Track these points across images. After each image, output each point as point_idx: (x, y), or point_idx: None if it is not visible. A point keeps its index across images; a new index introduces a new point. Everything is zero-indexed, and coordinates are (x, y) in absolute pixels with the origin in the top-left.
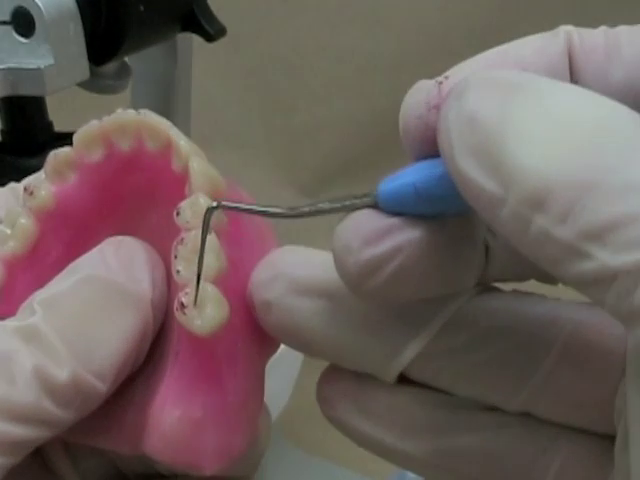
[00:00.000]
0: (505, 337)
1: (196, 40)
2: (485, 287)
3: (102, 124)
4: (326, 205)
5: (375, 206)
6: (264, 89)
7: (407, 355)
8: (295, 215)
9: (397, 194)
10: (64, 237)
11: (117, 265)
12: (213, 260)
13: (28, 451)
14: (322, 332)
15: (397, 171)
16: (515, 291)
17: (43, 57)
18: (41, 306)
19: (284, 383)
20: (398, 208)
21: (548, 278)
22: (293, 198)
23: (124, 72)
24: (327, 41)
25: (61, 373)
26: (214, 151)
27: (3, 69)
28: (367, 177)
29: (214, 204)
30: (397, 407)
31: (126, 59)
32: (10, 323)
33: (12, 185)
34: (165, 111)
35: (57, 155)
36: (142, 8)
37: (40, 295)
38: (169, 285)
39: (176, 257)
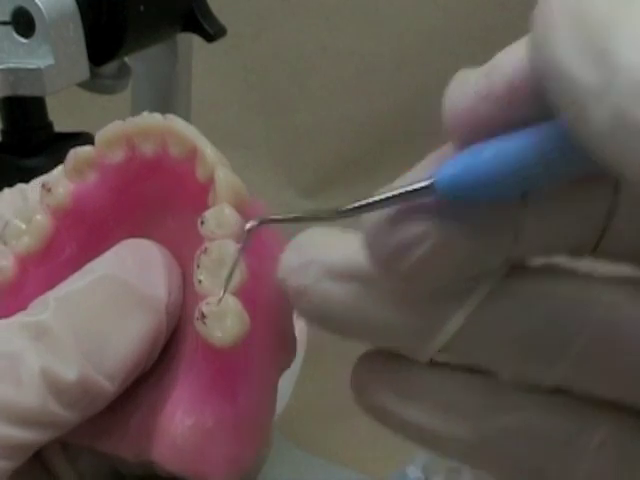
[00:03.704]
0: (537, 314)
1: (196, 40)
2: (516, 264)
3: (126, 125)
4: (379, 196)
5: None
6: (264, 89)
7: (450, 329)
8: (345, 214)
9: (459, 178)
10: (79, 236)
11: (134, 267)
12: (236, 272)
13: (30, 454)
14: (360, 314)
15: (447, 159)
16: (546, 266)
17: (43, 57)
18: (53, 303)
19: (284, 383)
20: (459, 193)
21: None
22: (293, 198)
23: (124, 72)
24: (327, 41)
25: (69, 373)
26: None
27: (3, 69)
28: (367, 177)
29: (255, 222)
30: (438, 389)
31: (126, 59)
32: (19, 319)
33: (20, 186)
34: (165, 111)
35: (78, 153)
36: (142, 8)
37: (54, 293)
38: (184, 291)
39: (198, 266)
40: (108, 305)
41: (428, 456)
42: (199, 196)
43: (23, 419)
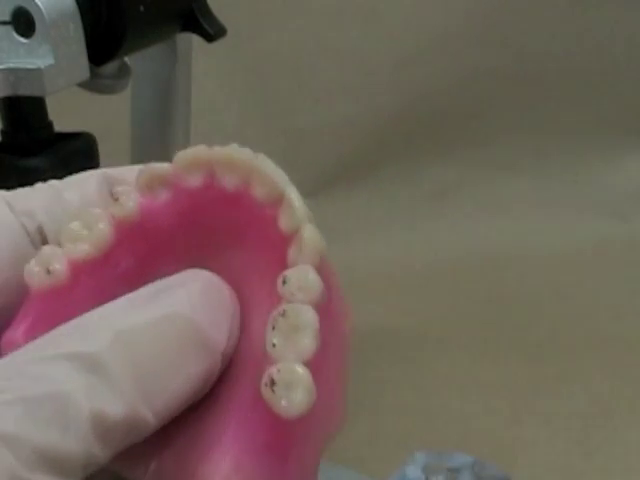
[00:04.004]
0: None
1: (196, 40)
2: None
3: (211, 152)
4: None
5: None
6: (264, 89)
7: None
8: None
9: None
10: (138, 252)
11: (202, 307)
12: (310, 341)
13: None
14: None
15: None
16: None
17: (43, 57)
18: (112, 335)
19: None
20: None
21: None
22: None
23: (124, 72)
24: (327, 41)
25: (118, 412)
26: None
27: (3, 69)
28: (367, 177)
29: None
30: None
31: (126, 59)
32: (70, 348)
33: (54, 183)
34: (165, 111)
35: (153, 169)
36: (142, 8)
37: (114, 321)
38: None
39: (274, 328)
40: (171, 346)
41: (428, 456)
42: (278, 246)
43: (63, 467)
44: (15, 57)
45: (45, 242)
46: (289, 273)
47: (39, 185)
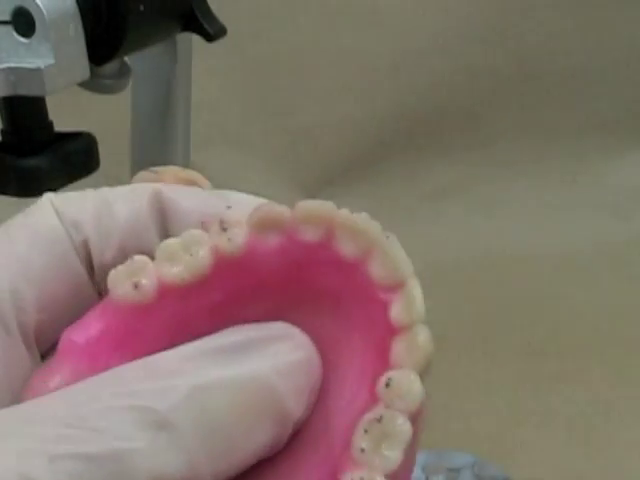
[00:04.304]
0: None
1: (196, 40)
2: None
3: (336, 212)
4: None
5: None
6: (264, 89)
7: None
8: None
9: None
10: (231, 288)
11: (287, 373)
12: (399, 453)
13: None
14: None
15: None
16: None
17: (43, 57)
18: (185, 390)
19: None
20: None
21: None
22: (293, 198)
23: (124, 72)
24: (327, 41)
25: (179, 475)
26: (214, 151)
27: (3, 69)
28: (367, 177)
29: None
30: None
31: (126, 59)
32: (141, 399)
33: (105, 195)
34: (165, 111)
35: (272, 211)
36: (142, 8)
37: (191, 373)
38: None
39: (366, 432)
40: (247, 412)
41: (428, 456)
42: (382, 332)
43: None
44: (15, 57)
45: (89, 257)
46: (394, 377)
47: (89, 192)
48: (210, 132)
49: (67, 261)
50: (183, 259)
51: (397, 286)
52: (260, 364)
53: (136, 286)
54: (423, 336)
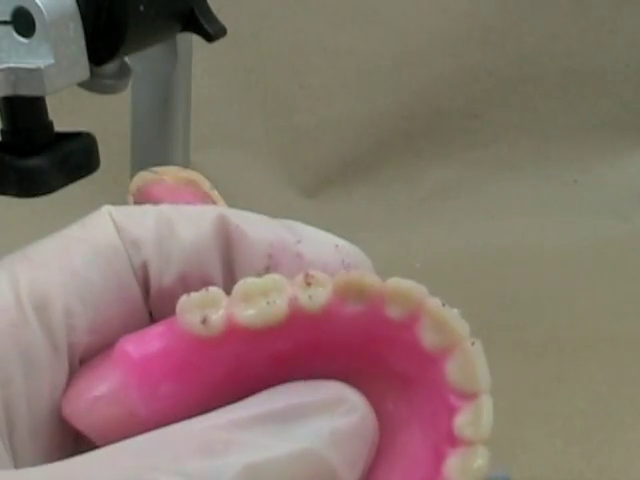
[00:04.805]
0: None
1: (196, 40)
2: None
3: (422, 291)
4: None
5: None
6: (264, 89)
7: None
8: None
9: None
10: (298, 340)
11: (341, 442)
12: None
13: None
14: None
15: None
16: None
17: (43, 57)
18: (240, 466)
19: None
20: None
21: None
22: (293, 198)
23: (124, 72)
24: (327, 41)
25: None
26: (214, 151)
27: (3, 69)
28: (367, 177)
29: None
30: None
31: (126, 59)
32: (194, 469)
33: (167, 215)
34: (165, 111)
35: (361, 278)
36: (142, 8)
37: (245, 449)
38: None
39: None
40: None
41: None
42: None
43: None
44: (15, 57)
45: (147, 280)
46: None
47: (151, 210)
48: (210, 132)
49: (124, 282)
50: (259, 304)
51: (470, 396)
52: (313, 435)
53: (205, 320)
54: (481, 461)
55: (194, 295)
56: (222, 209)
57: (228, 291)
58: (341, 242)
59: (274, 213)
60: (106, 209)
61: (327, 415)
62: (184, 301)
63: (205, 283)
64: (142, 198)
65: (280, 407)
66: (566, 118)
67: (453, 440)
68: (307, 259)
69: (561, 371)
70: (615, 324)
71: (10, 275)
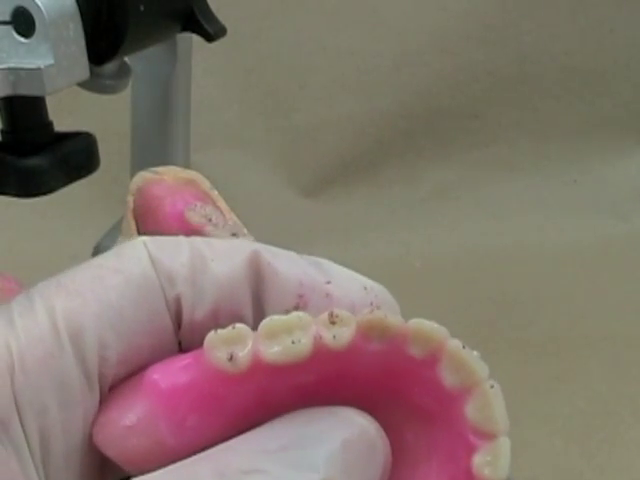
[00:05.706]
0: None
1: (196, 40)
2: None
3: (444, 333)
4: None
5: None
6: (264, 89)
7: None
8: None
9: None
10: (321, 373)
11: (348, 469)
12: None
13: None
14: None
15: None
16: None
17: (43, 57)
18: None
19: None
20: None
21: None
22: (293, 198)
23: (124, 72)
24: (327, 41)
25: None
26: (214, 151)
27: (3, 69)
28: (367, 177)
29: None
30: None
31: (126, 59)
32: None
33: (200, 250)
34: (165, 111)
35: (385, 319)
36: (142, 8)
37: None
38: None
39: None
40: None
41: None
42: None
43: None
44: (15, 57)
45: (179, 313)
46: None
47: (184, 243)
48: (210, 132)
49: (157, 315)
50: (284, 342)
51: (489, 437)
52: (330, 467)
53: (231, 357)
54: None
55: (221, 332)
56: (255, 245)
57: (257, 328)
58: (369, 283)
59: (274, 213)
60: (141, 240)
61: (338, 439)
62: (212, 337)
63: (236, 318)
64: (142, 198)
65: (294, 437)
66: (566, 118)
67: (471, 478)
68: (336, 299)
69: (561, 371)
70: (615, 324)
71: (47, 302)
